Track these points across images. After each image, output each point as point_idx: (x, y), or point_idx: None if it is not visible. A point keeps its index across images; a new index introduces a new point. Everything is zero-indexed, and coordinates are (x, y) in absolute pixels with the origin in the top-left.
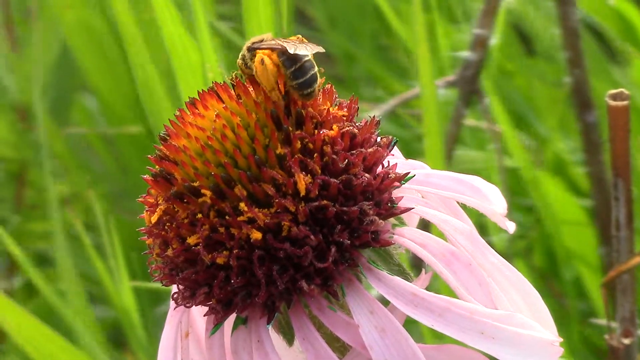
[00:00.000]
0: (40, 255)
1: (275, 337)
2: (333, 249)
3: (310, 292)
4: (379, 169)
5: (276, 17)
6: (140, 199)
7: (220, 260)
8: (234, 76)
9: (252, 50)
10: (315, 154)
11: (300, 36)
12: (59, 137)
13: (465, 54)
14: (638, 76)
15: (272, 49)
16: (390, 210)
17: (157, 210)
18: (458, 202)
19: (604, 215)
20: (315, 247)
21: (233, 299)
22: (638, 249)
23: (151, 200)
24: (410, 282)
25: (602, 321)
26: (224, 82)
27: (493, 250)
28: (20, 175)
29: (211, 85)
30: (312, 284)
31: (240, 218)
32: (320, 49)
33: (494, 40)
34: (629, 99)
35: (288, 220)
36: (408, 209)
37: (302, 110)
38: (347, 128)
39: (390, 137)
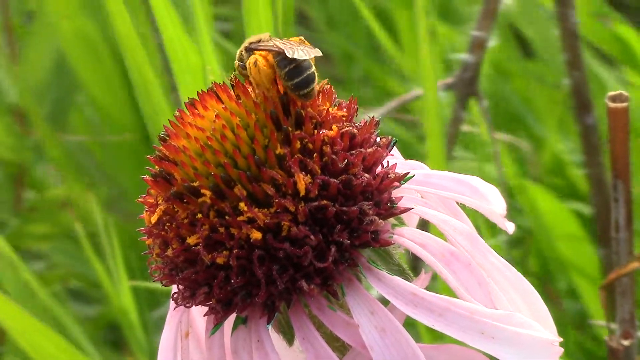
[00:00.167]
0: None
1: (275, 337)
2: (333, 249)
3: (310, 291)
4: (379, 169)
5: (275, 18)
6: (140, 199)
7: (220, 260)
8: (233, 77)
9: (249, 50)
10: (315, 154)
11: (302, 38)
12: (56, 142)
13: (464, 56)
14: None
15: (269, 51)
16: (389, 210)
17: (157, 210)
18: (457, 202)
19: (603, 217)
20: (315, 246)
21: (233, 299)
22: (638, 251)
23: (151, 200)
24: (410, 282)
25: (601, 322)
26: (223, 82)
27: (492, 251)
28: (19, 178)
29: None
30: (312, 284)
31: (240, 218)
32: (319, 53)
33: (492, 43)
34: (628, 100)
35: (288, 220)
36: (408, 209)
37: (302, 111)
38: (347, 128)
39: (390, 137)
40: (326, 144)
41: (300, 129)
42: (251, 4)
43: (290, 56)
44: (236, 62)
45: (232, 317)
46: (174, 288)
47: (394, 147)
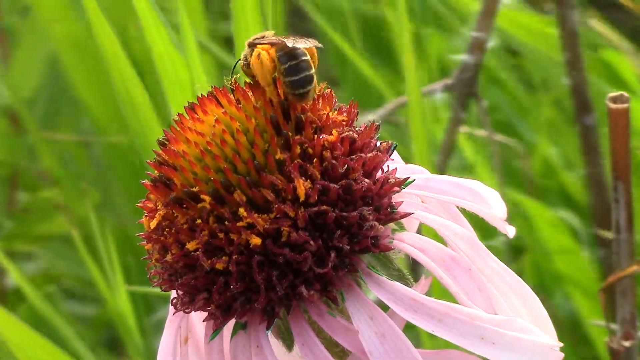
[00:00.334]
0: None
1: (274, 343)
2: (332, 255)
3: (310, 297)
4: (379, 174)
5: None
6: (139, 204)
7: (219, 266)
8: (233, 80)
9: (252, 46)
10: (315, 159)
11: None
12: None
13: (463, 56)
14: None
15: (272, 44)
16: (390, 215)
17: (156, 215)
18: (458, 207)
19: (602, 218)
20: (315, 252)
21: (232, 305)
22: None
23: (150, 205)
24: (410, 287)
25: (601, 323)
26: (223, 86)
27: (493, 255)
28: (13, 179)
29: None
30: (311, 290)
31: (240, 223)
32: (319, 44)
33: (492, 43)
34: (629, 101)
35: (287, 225)
36: (408, 214)
37: (302, 115)
38: (347, 133)
39: (390, 141)
40: (326, 149)
41: (300, 133)
42: (239, 10)
43: (290, 45)
44: (241, 62)
45: (232, 322)
46: (173, 293)
47: (394, 151)
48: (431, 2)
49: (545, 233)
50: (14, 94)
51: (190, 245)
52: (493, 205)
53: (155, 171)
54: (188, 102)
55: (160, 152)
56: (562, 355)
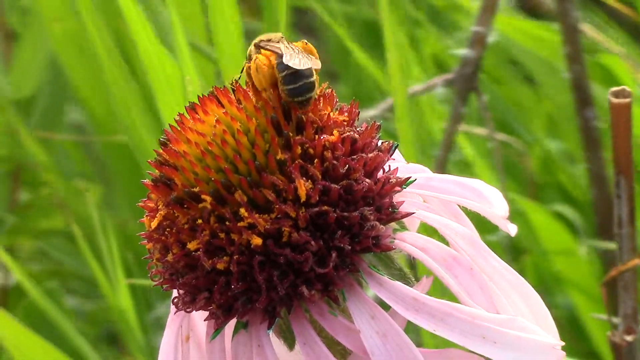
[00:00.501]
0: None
1: (276, 342)
2: (334, 255)
3: (311, 297)
4: (380, 174)
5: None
6: (140, 204)
7: (220, 266)
8: (233, 81)
9: (258, 47)
10: (316, 160)
11: (305, 42)
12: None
13: (464, 51)
14: None
15: (272, 52)
16: (391, 215)
17: (157, 215)
18: (459, 206)
19: (603, 213)
20: (316, 252)
21: (233, 304)
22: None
23: (151, 205)
24: (412, 286)
25: (603, 317)
26: (224, 86)
27: (494, 254)
28: (15, 175)
29: (191, 99)
30: (312, 290)
31: (241, 224)
32: (318, 66)
33: (493, 38)
34: (631, 96)
35: (288, 225)
36: (409, 214)
37: (303, 116)
38: (348, 133)
39: (391, 141)
40: (327, 149)
41: (301, 134)
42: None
43: (285, 62)
44: (245, 62)
45: (233, 321)
46: (174, 292)
47: (396, 150)
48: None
49: (544, 234)
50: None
51: (192, 245)
52: (495, 204)
53: (156, 171)
54: (179, 100)
55: (161, 151)
56: (564, 354)
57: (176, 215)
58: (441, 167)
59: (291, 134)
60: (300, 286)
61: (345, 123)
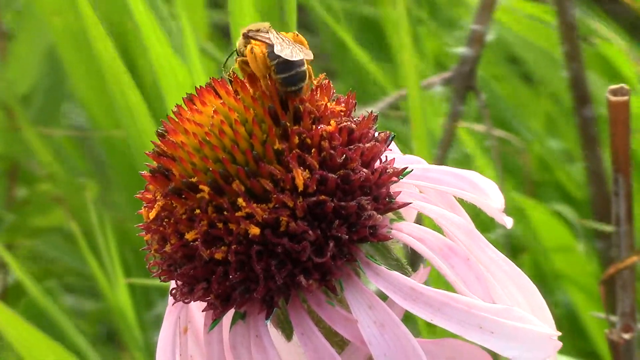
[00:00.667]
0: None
1: (274, 332)
2: (331, 244)
3: (309, 287)
4: (377, 164)
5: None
6: (138, 195)
7: (218, 256)
8: (231, 72)
9: (246, 37)
10: (313, 149)
11: (296, 33)
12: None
13: (462, 49)
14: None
15: (263, 42)
16: (388, 205)
17: (155, 206)
18: (455, 197)
19: (601, 211)
20: (314, 242)
21: (231, 294)
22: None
23: (149, 196)
24: (409, 276)
25: (600, 315)
26: (221, 78)
27: (491, 245)
28: (12, 172)
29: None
30: (310, 279)
31: (239, 213)
32: (310, 56)
33: (491, 36)
34: (629, 94)
35: (286, 215)
36: (406, 204)
37: (300, 106)
38: (345, 123)
39: (388, 132)
40: (324, 139)
41: (299, 124)
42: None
43: (277, 52)
44: (236, 57)
45: (231, 312)
46: (173, 284)
47: (392, 142)
48: None
49: (543, 231)
50: (10, 88)
51: (189, 236)
52: (491, 196)
53: (154, 162)
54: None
55: (159, 143)
56: (560, 344)
57: (174, 205)
58: (440, 163)
59: (289, 124)
60: (298, 276)
61: (343, 113)
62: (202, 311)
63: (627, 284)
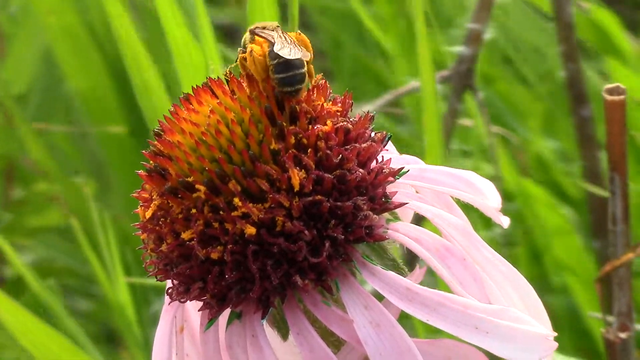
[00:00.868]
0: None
1: (270, 332)
2: (327, 244)
3: (305, 287)
4: (373, 164)
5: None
6: (134, 194)
7: (214, 255)
8: (228, 72)
9: (252, 34)
10: (309, 149)
11: (299, 32)
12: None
13: (460, 48)
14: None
15: (266, 39)
16: (384, 205)
17: (151, 205)
18: (452, 197)
19: (598, 210)
20: (309, 242)
21: (227, 294)
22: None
23: (145, 195)
24: (405, 276)
25: (597, 315)
26: (217, 77)
27: (487, 245)
28: (9, 171)
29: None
30: (306, 279)
31: (235, 213)
32: (307, 56)
33: (489, 35)
34: (625, 93)
35: (282, 215)
36: (402, 204)
37: (296, 106)
38: (341, 123)
39: (385, 132)
40: (321, 139)
41: (295, 124)
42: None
43: (276, 51)
44: (240, 49)
45: (227, 312)
46: (169, 283)
47: (389, 142)
48: None
49: (543, 214)
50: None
51: (186, 235)
52: (488, 196)
53: (151, 161)
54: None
55: (156, 142)
56: (556, 344)
57: (170, 205)
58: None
59: (285, 124)
60: (293, 275)
61: (339, 113)
62: (198, 311)
63: (624, 282)
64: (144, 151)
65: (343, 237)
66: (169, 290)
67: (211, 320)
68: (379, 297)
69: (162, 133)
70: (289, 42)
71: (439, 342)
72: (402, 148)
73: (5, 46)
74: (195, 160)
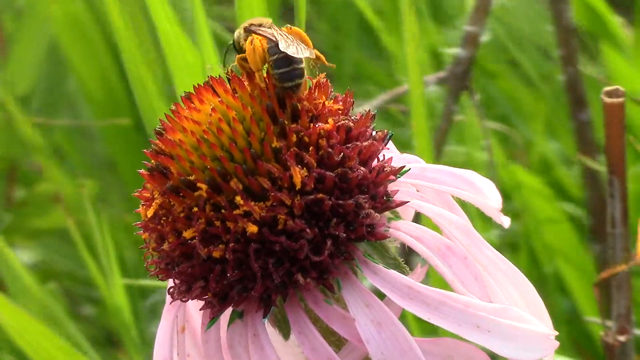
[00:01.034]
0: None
1: (271, 331)
2: (329, 243)
3: (306, 285)
4: (375, 163)
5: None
6: (136, 194)
7: (216, 254)
8: (229, 70)
9: (248, 31)
10: (311, 148)
11: (299, 29)
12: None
13: (456, 50)
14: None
15: (265, 37)
16: (385, 203)
17: (153, 204)
18: (453, 196)
19: (597, 213)
20: (311, 240)
21: (229, 293)
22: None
23: (147, 194)
24: (406, 275)
25: (595, 320)
26: (219, 76)
27: (488, 244)
28: (10, 172)
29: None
30: (308, 278)
31: (236, 211)
32: (312, 55)
33: (485, 37)
34: (624, 96)
35: (284, 213)
36: (403, 203)
37: (298, 104)
38: (343, 122)
39: (386, 130)
40: (322, 138)
41: (297, 122)
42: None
43: (282, 49)
44: (235, 39)
45: (229, 311)
46: (170, 282)
47: (390, 141)
48: None
49: (536, 202)
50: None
51: (187, 234)
52: (488, 195)
53: (152, 160)
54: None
55: (157, 141)
56: (558, 343)
57: (172, 204)
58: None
59: (286, 122)
60: (295, 274)
61: (340, 112)
62: (200, 310)
63: (622, 285)
64: (145, 150)
65: (345, 235)
66: (171, 290)
67: (213, 319)
68: (381, 296)
69: (164, 131)
70: (292, 39)
71: (440, 340)
72: (401, 150)
73: (8, 46)
74: (197, 158)
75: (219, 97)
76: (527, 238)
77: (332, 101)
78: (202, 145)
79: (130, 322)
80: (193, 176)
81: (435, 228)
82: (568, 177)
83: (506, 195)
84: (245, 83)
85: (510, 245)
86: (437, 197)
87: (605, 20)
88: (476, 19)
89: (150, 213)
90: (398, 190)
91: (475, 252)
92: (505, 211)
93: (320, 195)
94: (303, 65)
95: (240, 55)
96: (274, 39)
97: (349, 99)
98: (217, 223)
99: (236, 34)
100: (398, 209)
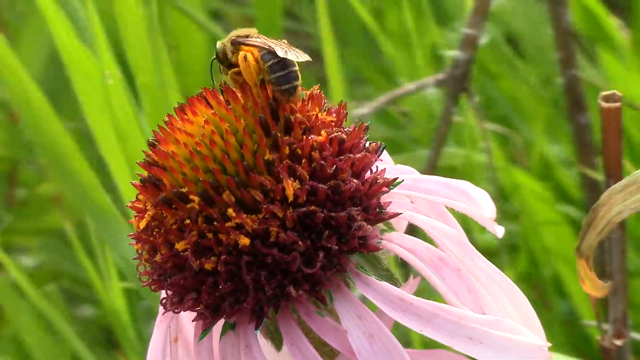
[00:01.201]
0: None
1: (263, 343)
2: (321, 255)
3: (299, 297)
4: (368, 175)
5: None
6: (129, 205)
7: (208, 266)
8: (222, 82)
9: (235, 44)
10: (304, 160)
11: (285, 41)
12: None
13: (455, 52)
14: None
15: (255, 46)
16: (378, 215)
17: (145, 216)
18: (447, 207)
19: None
20: (303, 252)
21: (221, 305)
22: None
23: (139, 205)
24: (399, 287)
25: (592, 323)
26: (212, 87)
27: (482, 256)
28: (12, 174)
29: (111, 92)
30: (300, 290)
31: (229, 224)
32: (308, 58)
33: (484, 40)
34: (621, 100)
35: (276, 226)
36: (396, 214)
37: (291, 116)
38: (336, 134)
39: (379, 142)
40: (315, 150)
41: (289, 134)
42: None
43: (281, 55)
44: (218, 47)
45: (221, 322)
46: (163, 293)
47: (384, 151)
48: None
49: (535, 204)
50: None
51: (179, 246)
52: (482, 205)
53: (145, 172)
54: (98, 94)
55: (150, 152)
56: (551, 355)
57: (164, 215)
58: (431, 167)
59: (279, 135)
60: (287, 286)
61: (333, 124)
62: (192, 321)
63: (619, 289)
64: (138, 162)
65: (337, 247)
66: (163, 301)
67: (205, 330)
68: (373, 308)
69: (157, 143)
70: (285, 45)
71: (432, 352)
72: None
73: (11, 46)
74: (190, 170)
75: (212, 109)
76: (526, 240)
77: (325, 113)
78: (195, 157)
79: (128, 323)
80: (185, 188)
81: (429, 239)
82: (568, 178)
83: (505, 197)
84: (239, 94)
85: (509, 247)
86: (431, 208)
87: (602, 22)
88: (475, 21)
89: (142, 224)
90: (391, 201)
91: (468, 264)
92: (504, 213)
93: (313, 207)
94: (297, 67)
95: (234, 69)
96: (266, 47)
97: (342, 111)
98: (210, 235)
99: (219, 45)
100: (391, 221)
